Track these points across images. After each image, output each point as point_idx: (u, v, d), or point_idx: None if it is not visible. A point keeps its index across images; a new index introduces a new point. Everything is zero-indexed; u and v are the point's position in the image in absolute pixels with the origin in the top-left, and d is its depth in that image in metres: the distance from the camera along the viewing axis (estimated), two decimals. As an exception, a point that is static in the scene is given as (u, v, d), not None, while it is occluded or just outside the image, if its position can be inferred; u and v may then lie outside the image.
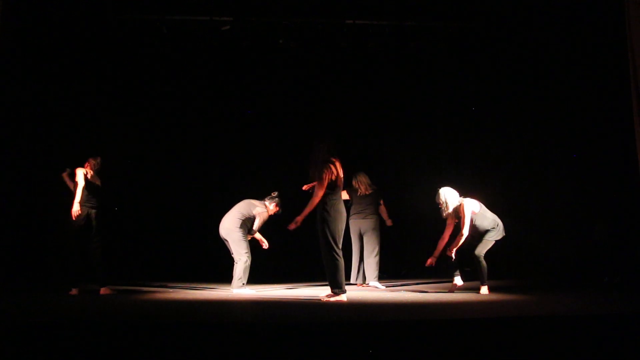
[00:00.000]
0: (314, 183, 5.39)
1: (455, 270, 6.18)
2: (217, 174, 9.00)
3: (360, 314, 4.60)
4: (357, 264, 7.27)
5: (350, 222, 7.15)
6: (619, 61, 6.36)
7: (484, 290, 6.02)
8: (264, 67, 8.58)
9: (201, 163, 8.96)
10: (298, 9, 7.43)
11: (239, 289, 6.32)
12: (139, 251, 8.54)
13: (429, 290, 6.55)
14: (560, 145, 8.44)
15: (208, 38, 7.68)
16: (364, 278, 7.22)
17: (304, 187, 5.87)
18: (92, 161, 6.28)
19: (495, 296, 5.79)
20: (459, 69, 8.56)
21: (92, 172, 6.22)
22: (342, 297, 5.30)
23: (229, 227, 6.44)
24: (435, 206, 6.22)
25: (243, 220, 6.46)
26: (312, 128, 8.20)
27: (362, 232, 7.22)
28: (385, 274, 7.56)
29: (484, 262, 6.06)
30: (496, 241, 6.13)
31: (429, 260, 6.21)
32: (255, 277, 6.55)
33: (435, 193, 6.22)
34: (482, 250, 6.07)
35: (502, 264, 7.42)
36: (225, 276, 6.96)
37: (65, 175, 6.32)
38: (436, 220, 6.34)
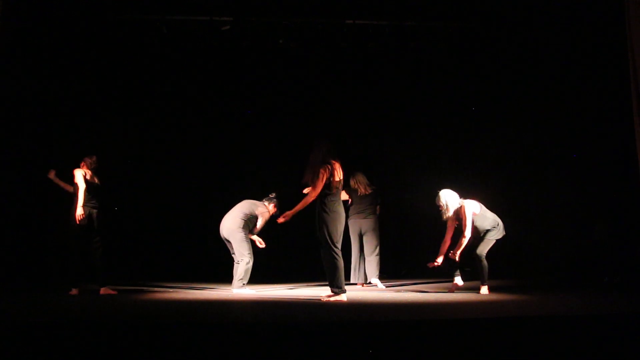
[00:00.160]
0: (310, 188, 5.42)
1: (456, 270, 6.18)
2: (217, 174, 8.99)
3: (360, 314, 4.60)
4: (357, 264, 7.28)
5: (351, 222, 7.16)
6: (619, 61, 6.36)
7: (484, 290, 6.02)
8: (264, 67, 8.58)
9: (201, 163, 8.95)
10: (298, 9, 7.42)
11: (239, 289, 6.31)
12: (139, 251, 8.54)
13: (429, 290, 6.55)
14: (560, 145, 8.44)
15: (208, 38, 7.67)
16: (365, 277, 7.23)
17: (305, 191, 5.88)
18: (88, 160, 6.23)
19: (495, 296, 5.79)
20: (459, 69, 8.56)
21: (90, 172, 6.19)
22: (342, 297, 5.31)
23: (232, 227, 6.42)
24: (435, 207, 6.21)
25: (245, 220, 6.44)
26: (312, 128, 8.21)
27: (362, 231, 7.23)
28: (385, 274, 7.55)
29: (485, 262, 6.06)
30: (497, 240, 6.14)
31: (432, 263, 6.17)
32: (255, 277, 6.55)
33: (435, 194, 6.20)
34: (483, 249, 6.07)
35: (502, 264, 7.42)
36: (225, 276, 6.96)
37: (53, 177, 6.29)
38: (436, 220, 6.33)
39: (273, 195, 6.67)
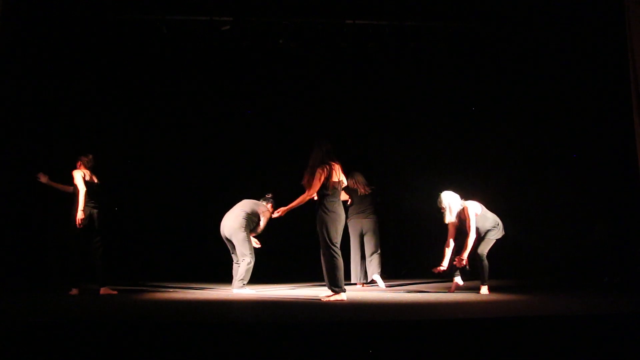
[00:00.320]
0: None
1: (456, 270, 6.17)
2: (217, 174, 8.99)
3: (360, 314, 4.60)
4: (358, 264, 7.28)
5: (351, 222, 7.17)
6: (619, 61, 6.36)
7: (484, 290, 6.02)
8: (264, 67, 8.58)
9: (201, 163, 8.95)
10: (298, 9, 7.42)
11: (239, 289, 6.30)
12: (139, 251, 8.54)
13: (429, 290, 6.55)
14: (560, 145, 8.44)
15: (208, 38, 7.67)
16: (366, 277, 7.23)
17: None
18: (84, 159, 6.20)
19: (495, 296, 5.79)
20: (459, 69, 8.56)
21: (88, 172, 6.17)
22: (342, 296, 5.34)
23: (234, 226, 6.38)
24: (436, 208, 6.19)
25: (247, 219, 6.42)
26: (312, 128, 8.21)
27: (363, 231, 7.23)
28: (385, 274, 7.55)
29: (486, 262, 6.05)
30: (496, 240, 6.13)
31: (438, 268, 6.10)
32: (255, 277, 6.54)
33: (435, 195, 6.17)
34: (484, 249, 6.06)
35: (502, 264, 7.42)
36: (225, 276, 6.96)
37: (46, 182, 6.26)
38: (436, 220, 6.33)
39: (270, 195, 6.67)
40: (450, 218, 6.06)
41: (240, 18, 7.48)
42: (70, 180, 6.13)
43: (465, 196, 6.18)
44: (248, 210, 6.47)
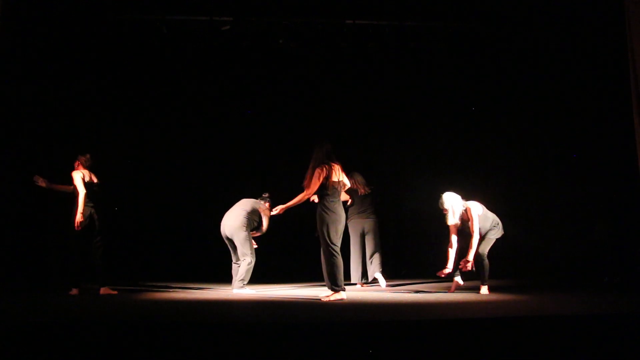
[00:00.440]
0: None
1: (456, 270, 6.17)
2: (217, 174, 8.99)
3: (360, 314, 4.61)
4: (358, 264, 7.27)
5: (352, 222, 7.17)
6: (619, 61, 6.36)
7: (484, 290, 6.02)
8: (264, 67, 8.58)
9: (201, 163, 8.95)
10: (298, 9, 7.42)
11: (239, 289, 6.30)
12: (139, 251, 8.54)
13: (429, 290, 6.55)
14: (560, 145, 8.44)
15: (208, 38, 7.67)
16: (366, 277, 7.23)
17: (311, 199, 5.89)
18: (82, 159, 6.18)
19: (495, 296, 5.79)
20: (459, 69, 8.56)
21: (87, 172, 6.16)
22: (342, 295, 5.36)
23: (235, 225, 6.36)
24: (436, 208, 6.17)
25: (248, 219, 6.40)
26: (312, 128, 8.21)
27: (365, 231, 7.23)
28: (386, 274, 7.55)
29: (487, 261, 6.04)
30: (496, 240, 6.13)
31: (443, 271, 6.07)
32: (255, 277, 6.54)
33: (436, 196, 6.15)
34: (485, 248, 6.05)
35: (502, 264, 7.42)
36: (225, 276, 6.95)
37: (46, 185, 6.24)
38: (436, 220, 6.33)
39: (267, 195, 6.67)
40: (453, 220, 6.00)
41: (240, 18, 7.48)
42: (70, 181, 6.12)
43: (465, 196, 6.17)
44: (249, 209, 6.46)
